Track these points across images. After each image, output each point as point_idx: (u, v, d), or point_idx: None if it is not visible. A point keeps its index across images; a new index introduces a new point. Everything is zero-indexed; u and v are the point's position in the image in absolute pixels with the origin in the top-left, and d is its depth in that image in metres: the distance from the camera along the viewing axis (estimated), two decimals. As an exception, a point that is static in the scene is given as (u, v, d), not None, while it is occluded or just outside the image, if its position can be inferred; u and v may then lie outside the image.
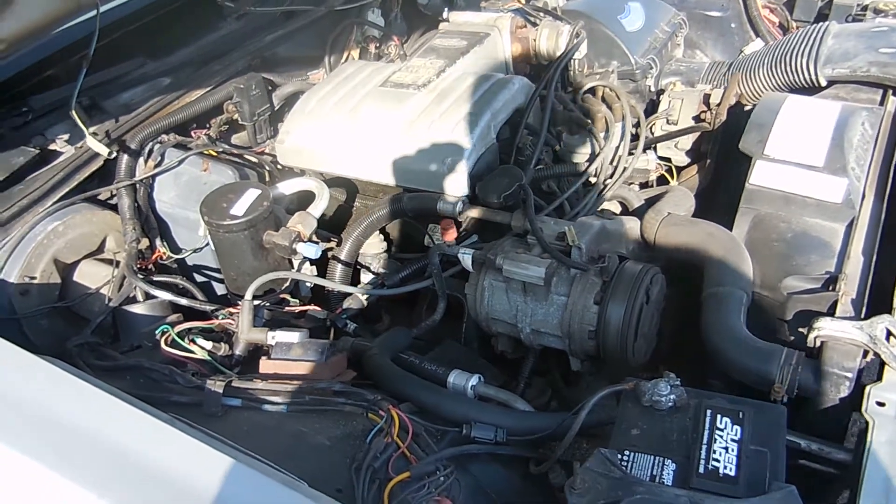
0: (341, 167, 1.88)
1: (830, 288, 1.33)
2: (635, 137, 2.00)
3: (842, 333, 1.22)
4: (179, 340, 1.35)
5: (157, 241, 1.72)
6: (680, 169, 2.12)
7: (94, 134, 1.68)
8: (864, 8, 2.46)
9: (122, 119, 1.81)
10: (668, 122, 2.10)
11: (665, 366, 1.33)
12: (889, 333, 1.21)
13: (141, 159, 1.79)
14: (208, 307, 1.49)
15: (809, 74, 1.93)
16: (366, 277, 1.90)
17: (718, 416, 1.17)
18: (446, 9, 2.31)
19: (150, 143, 1.81)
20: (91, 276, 1.63)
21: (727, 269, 1.43)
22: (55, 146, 1.72)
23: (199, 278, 1.81)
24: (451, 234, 1.66)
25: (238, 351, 1.39)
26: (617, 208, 1.87)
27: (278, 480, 0.92)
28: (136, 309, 1.55)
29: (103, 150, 1.66)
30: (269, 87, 2.07)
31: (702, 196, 1.91)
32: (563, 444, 1.22)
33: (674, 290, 1.56)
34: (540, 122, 1.93)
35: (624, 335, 1.44)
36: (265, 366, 1.32)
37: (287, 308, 1.57)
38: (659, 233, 1.57)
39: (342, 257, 1.81)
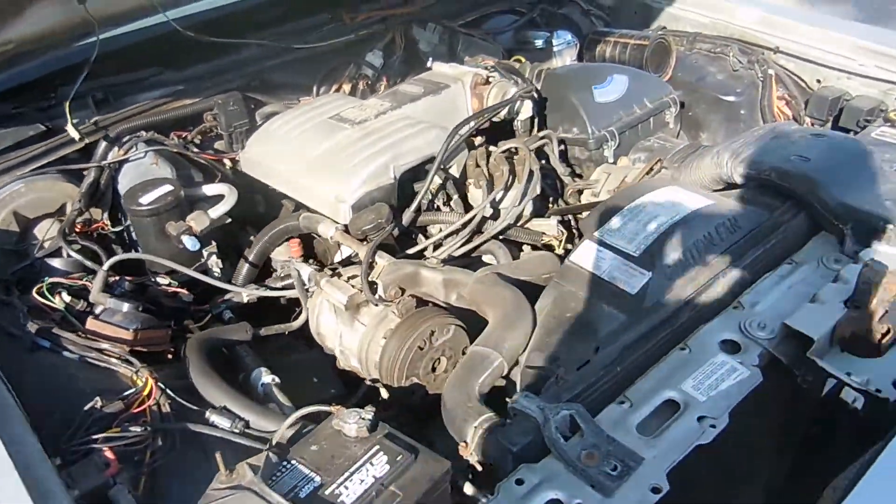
0: (279, 184, 2.16)
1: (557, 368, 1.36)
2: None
3: (522, 408, 1.27)
4: (46, 292, 1.68)
5: (105, 216, 2.09)
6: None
7: (76, 122, 2.10)
8: (872, 112, 2.29)
9: (115, 113, 2.22)
10: (592, 193, 2.13)
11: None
12: (573, 420, 1.24)
13: (116, 148, 2.18)
14: (103, 268, 1.79)
15: (726, 170, 1.90)
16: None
17: (380, 453, 1.28)
18: (430, 58, 2.51)
19: (128, 136, 2.20)
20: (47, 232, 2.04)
21: (496, 332, 1.50)
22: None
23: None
24: (296, 251, 1.85)
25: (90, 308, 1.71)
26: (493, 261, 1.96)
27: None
28: (55, 262, 1.93)
29: (76, 136, 2.07)
30: (252, 106, 2.41)
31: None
32: (268, 448, 1.39)
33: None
34: (463, 173, 2.08)
35: (398, 373, 1.56)
36: (89, 323, 1.62)
37: (162, 287, 1.86)
38: (470, 287, 1.66)
39: (250, 258, 2.08)
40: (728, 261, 1.60)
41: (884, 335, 1.41)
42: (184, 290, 1.87)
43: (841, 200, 1.68)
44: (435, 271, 1.68)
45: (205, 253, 2.02)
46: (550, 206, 2.23)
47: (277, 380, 1.67)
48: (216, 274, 2.05)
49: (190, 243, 1.88)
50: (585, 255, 1.60)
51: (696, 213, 1.64)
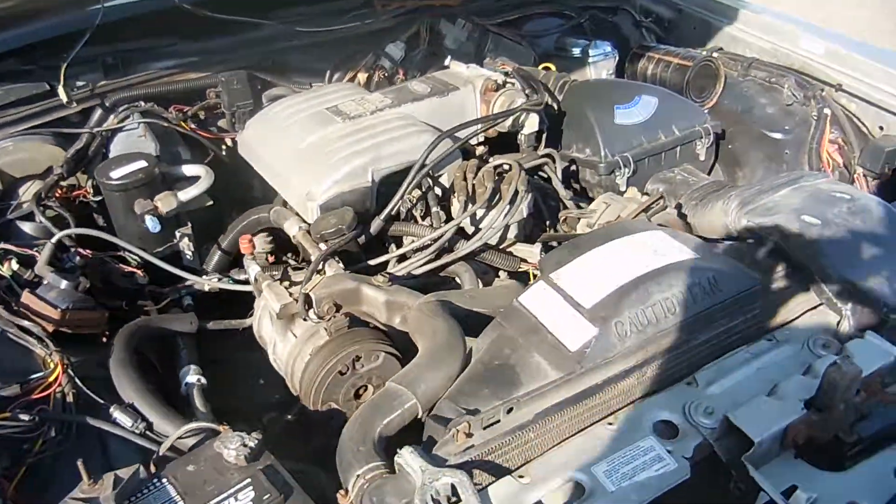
0: (263, 169, 2.08)
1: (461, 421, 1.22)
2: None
3: (408, 467, 1.14)
4: (-2, 260, 1.67)
5: (89, 183, 2.07)
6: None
7: (82, 86, 2.09)
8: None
9: (114, 80, 2.19)
10: (587, 223, 1.96)
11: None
12: (454, 489, 1.11)
13: (112, 116, 2.16)
14: (51, 241, 1.77)
15: (732, 218, 1.70)
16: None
17: (249, 488, 1.20)
18: (449, 56, 2.38)
19: (126, 105, 2.17)
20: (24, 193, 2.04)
21: (416, 369, 1.37)
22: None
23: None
24: (246, 248, 1.77)
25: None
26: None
27: None
28: (25, 226, 1.92)
29: (65, 99, 2.05)
30: (259, 87, 2.34)
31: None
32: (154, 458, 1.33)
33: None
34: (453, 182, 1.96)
35: (315, 395, 1.46)
36: (24, 296, 1.59)
37: (118, 266, 1.82)
38: (409, 314, 1.53)
39: (222, 245, 2.02)
40: (696, 328, 1.40)
41: (852, 445, 1.21)
42: (139, 271, 1.83)
43: (844, 275, 1.46)
44: (378, 290, 1.57)
45: (177, 234, 1.98)
46: (547, 230, 2.07)
47: (203, 381, 1.61)
48: (188, 256, 2.01)
49: (151, 224, 1.84)
50: (533, 297, 1.44)
51: (671, 268, 1.45)
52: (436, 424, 1.26)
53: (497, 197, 1.84)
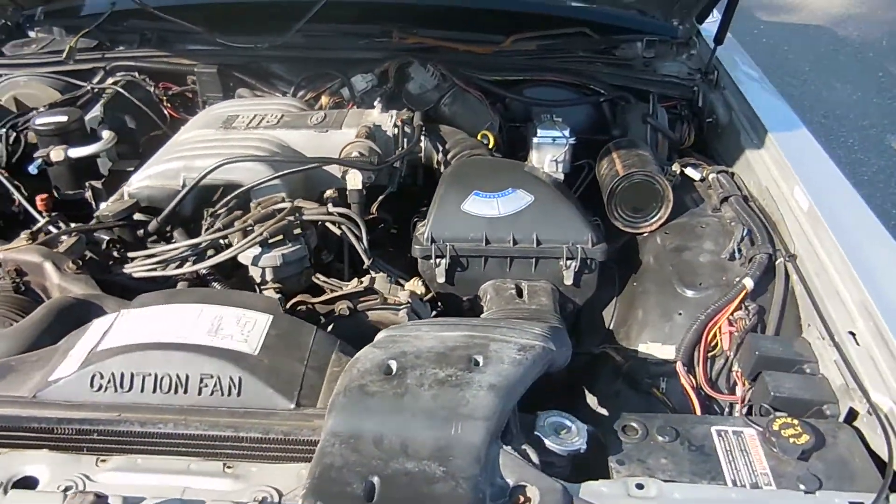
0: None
1: None
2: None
3: None
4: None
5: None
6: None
7: (73, 48, 2.56)
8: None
9: (123, 51, 2.64)
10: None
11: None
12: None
13: (110, 79, 2.61)
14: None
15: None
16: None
17: None
18: (378, 98, 2.33)
19: (123, 73, 2.60)
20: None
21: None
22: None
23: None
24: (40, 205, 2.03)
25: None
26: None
27: None
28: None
29: (64, 56, 2.54)
30: (231, 84, 2.59)
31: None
32: None
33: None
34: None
35: None
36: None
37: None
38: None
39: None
40: (179, 419, 1.31)
41: None
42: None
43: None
44: (57, 273, 1.72)
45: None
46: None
47: None
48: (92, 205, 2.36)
49: (31, 168, 2.22)
50: (100, 321, 1.48)
51: (201, 350, 1.36)
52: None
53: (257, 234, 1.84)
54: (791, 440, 1.35)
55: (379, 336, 1.43)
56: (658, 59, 2.75)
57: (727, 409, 1.70)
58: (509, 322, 1.52)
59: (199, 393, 1.32)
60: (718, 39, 2.47)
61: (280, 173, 1.95)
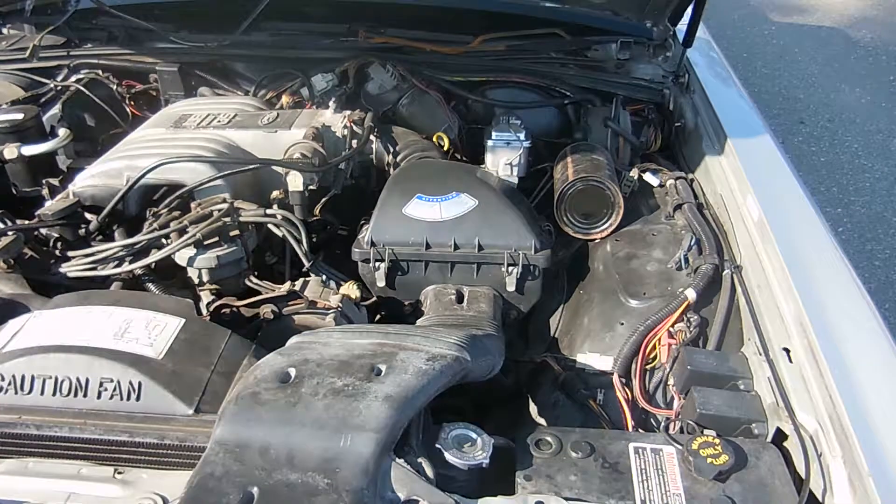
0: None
1: None
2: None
3: None
4: None
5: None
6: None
7: (37, 46, 2.56)
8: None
9: (88, 48, 2.63)
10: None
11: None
12: None
13: (73, 77, 2.60)
14: None
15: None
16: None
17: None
18: (333, 98, 2.30)
19: (87, 70, 2.59)
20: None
21: None
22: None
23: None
24: None
25: None
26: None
27: None
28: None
29: (27, 55, 2.54)
30: (193, 82, 2.57)
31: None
32: None
33: None
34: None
35: None
36: None
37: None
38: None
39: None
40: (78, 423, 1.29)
41: None
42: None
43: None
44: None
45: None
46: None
47: None
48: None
49: (-1, 156, 2.22)
50: (17, 320, 1.47)
51: (100, 353, 1.34)
52: None
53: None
54: (709, 460, 1.30)
55: (289, 342, 1.40)
56: (633, 61, 2.69)
57: (662, 424, 1.64)
58: (427, 330, 1.48)
59: (99, 396, 1.31)
60: (687, 42, 2.41)
61: (221, 174, 1.93)
